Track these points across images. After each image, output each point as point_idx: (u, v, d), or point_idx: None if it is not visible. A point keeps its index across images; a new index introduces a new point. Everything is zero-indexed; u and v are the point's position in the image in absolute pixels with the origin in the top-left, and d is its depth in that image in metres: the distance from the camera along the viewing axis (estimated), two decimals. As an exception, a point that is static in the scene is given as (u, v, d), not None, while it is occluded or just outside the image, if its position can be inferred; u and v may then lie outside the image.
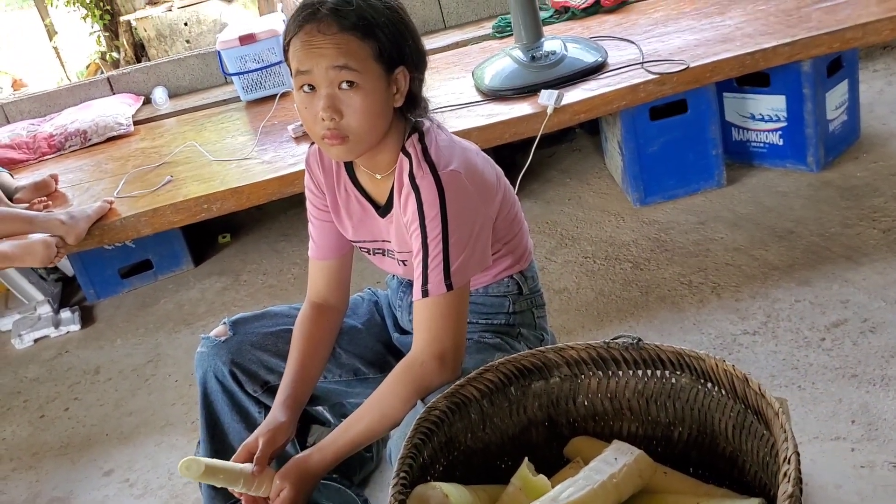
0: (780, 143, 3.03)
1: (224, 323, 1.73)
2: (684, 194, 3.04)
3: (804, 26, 2.82)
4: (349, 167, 1.57)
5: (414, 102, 1.46)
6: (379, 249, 1.62)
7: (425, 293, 1.41)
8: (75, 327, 3.22)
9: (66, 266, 3.53)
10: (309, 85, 1.36)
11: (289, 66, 1.41)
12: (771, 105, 2.99)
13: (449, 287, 1.40)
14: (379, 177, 1.51)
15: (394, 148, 1.46)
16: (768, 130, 3.03)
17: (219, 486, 1.44)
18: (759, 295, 2.44)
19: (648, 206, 3.04)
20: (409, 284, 1.71)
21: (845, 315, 2.27)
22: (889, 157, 2.96)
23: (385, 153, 1.46)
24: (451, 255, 1.40)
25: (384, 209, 1.53)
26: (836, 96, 2.99)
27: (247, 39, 3.51)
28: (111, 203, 2.86)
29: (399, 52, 1.39)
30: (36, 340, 3.21)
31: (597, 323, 2.50)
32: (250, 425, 1.69)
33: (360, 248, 1.65)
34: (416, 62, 1.43)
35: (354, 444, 1.45)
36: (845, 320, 2.25)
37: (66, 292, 3.50)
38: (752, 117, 3.05)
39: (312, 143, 1.62)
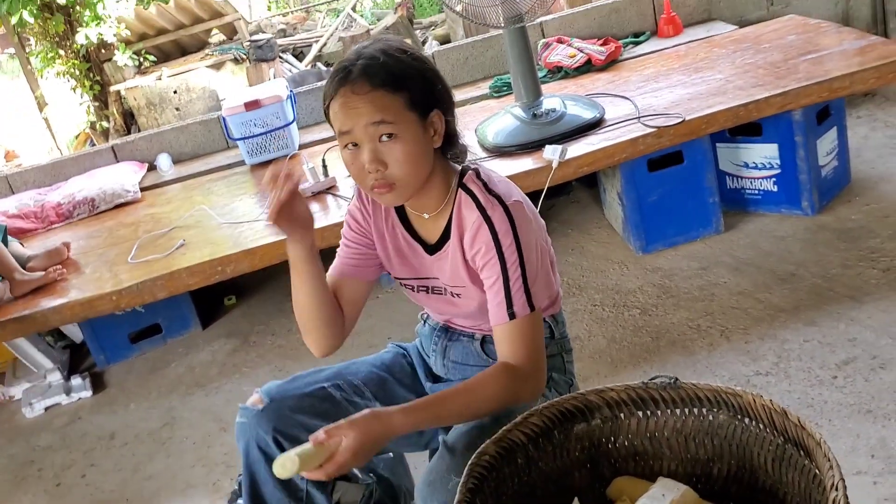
0: (775, 189, 3.13)
1: (257, 392, 1.74)
2: (685, 241, 3.13)
3: (793, 77, 2.95)
4: (399, 208, 1.64)
5: (452, 141, 1.55)
6: (423, 287, 1.67)
7: (512, 315, 1.49)
8: (87, 394, 3.23)
9: (74, 332, 3.55)
10: (353, 143, 1.45)
11: (331, 125, 1.49)
12: (764, 153, 3.10)
13: (532, 308, 1.49)
14: (427, 216, 1.58)
15: (440, 187, 1.55)
16: (762, 178, 3.14)
17: (314, 472, 1.39)
18: (767, 336, 2.51)
19: (651, 254, 3.12)
20: (444, 329, 1.76)
21: (854, 353, 2.34)
22: (880, 200, 3.07)
23: (432, 192, 1.54)
24: (528, 279, 1.49)
25: (433, 247, 1.60)
26: (827, 143, 3.11)
27: (252, 105, 3.60)
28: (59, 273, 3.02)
29: (430, 97, 1.48)
30: (47, 408, 3.20)
31: (611, 369, 2.56)
32: (292, 493, 1.71)
33: (405, 284, 1.71)
34: (447, 103, 1.52)
35: (436, 423, 1.49)
36: (855, 358, 2.32)
37: (75, 359, 3.51)
38: (746, 166, 3.16)
39: None
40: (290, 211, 1.49)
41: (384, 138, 1.43)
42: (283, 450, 1.65)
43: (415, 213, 1.60)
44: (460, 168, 1.58)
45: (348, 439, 1.37)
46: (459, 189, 1.54)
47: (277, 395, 1.71)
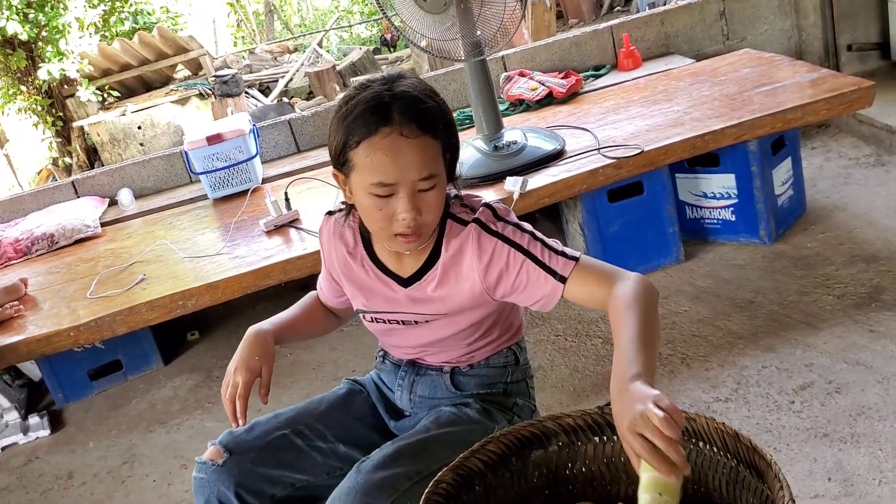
0: (733, 218, 3.18)
1: (214, 444, 1.66)
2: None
3: (748, 109, 3.01)
4: (367, 242, 1.60)
5: (450, 180, 1.50)
6: (395, 319, 1.63)
7: (562, 279, 1.43)
8: (45, 433, 3.17)
9: (32, 370, 3.49)
10: (388, 193, 1.37)
11: (344, 160, 1.40)
12: (722, 183, 3.15)
13: (574, 259, 1.44)
14: (408, 252, 1.54)
15: None
16: (721, 207, 3.19)
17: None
18: (727, 363, 2.53)
19: (614, 283, 3.14)
20: (411, 364, 1.72)
21: (811, 378, 2.37)
22: (835, 228, 3.14)
23: None
24: (550, 244, 1.46)
25: (409, 280, 1.56)
26: (782, 173, 3.17)
27: (214, 139, 3.60)
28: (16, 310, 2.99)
29: (453, 143, 1.45)
30: (3, 448, 3.14)
31: (574, 399, 2.56)
32: None
33: (374, 318, 1.65)
34: (458, 146, 1.48)
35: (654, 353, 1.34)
36: (811, 383, 2.35)
37: (33, 397, 3.45)
38: (705, 195, 3.21)
39: (329, 214, 1.65)
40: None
41: (424, 186, 1.38)
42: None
43: (389, 249, 1.56)
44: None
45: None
46: (448, 219, 1.51)
47: (237, 447, 1.63)
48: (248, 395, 1.55)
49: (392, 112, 1.34)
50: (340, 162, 1.41)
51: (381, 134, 1.34)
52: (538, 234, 1.49)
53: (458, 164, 1.50)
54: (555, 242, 1.49)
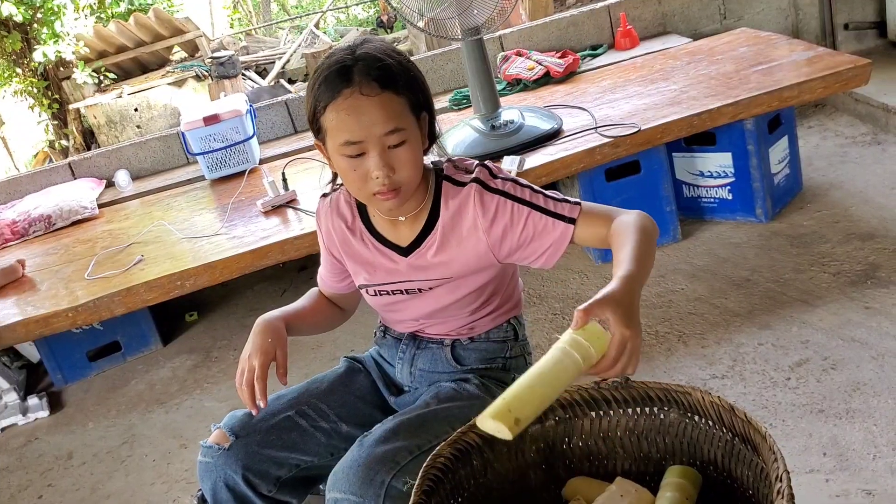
0: (730, 197, 3.19)
1: (217, 428, 1.67)
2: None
3: (744, 87, 3.01)
4: (364, 216, 1.62)
5: (432, 143, 1.54)
6: (398, 290, 1.64)
7: (571, 220, 1.48)
8: (44, 413, 3.18)
9: (31, 352, 3.50)
10: (359, 153, 1.40)
11: (317, 127, 1.43)
12: (718, 162, 3.16)
13: (578, 204, 1.49)
14: (403, 219, 1.55)
15: (422, 187, 1.53)
16: (718, 186, 3.20)
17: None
18: (723, 341, 2.55)
19: (610, 263, 3.12)
20: (412, 338, 1.73)
21: (807, 355, 2.38)
22: (831, 206, 3.14)
23: (416, 194, 1.52)
24: (551, 194, 1.51)
25: (408, 248, 1.58)
26: (779, 151, 3.17)
27: (211, 120, 3.59)
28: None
29: (423, 99, 1.47)
30: (3, 429, 3.15)
31: (571, 376, 2.57)
32: None
33: (377, 291, 1.66)
34: (431, 105, 1.50)
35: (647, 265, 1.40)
36: (807, 360, 2.36)
37: (32, 379, 3.46)
38: (702, 174, 3.22)
39: (324, 196, 1.67)
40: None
41: (393, 143, 1.40)
42: (253, 488, 1.61)
43: (387, 218, 1.57)
44: (433, 166, 1.57)
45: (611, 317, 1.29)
46: (443, 182, 1.53)
47: (242, 431, 1.63)
48: (266, 378, 1.53)
49: (353, 73, 1.37)
50: (315, 130, 1.45)
51: (343, 95, 1.37)
52: (536, 186, 1.53)
53: (434, 124, 1.53)
54: (555, 192, 1.52)
